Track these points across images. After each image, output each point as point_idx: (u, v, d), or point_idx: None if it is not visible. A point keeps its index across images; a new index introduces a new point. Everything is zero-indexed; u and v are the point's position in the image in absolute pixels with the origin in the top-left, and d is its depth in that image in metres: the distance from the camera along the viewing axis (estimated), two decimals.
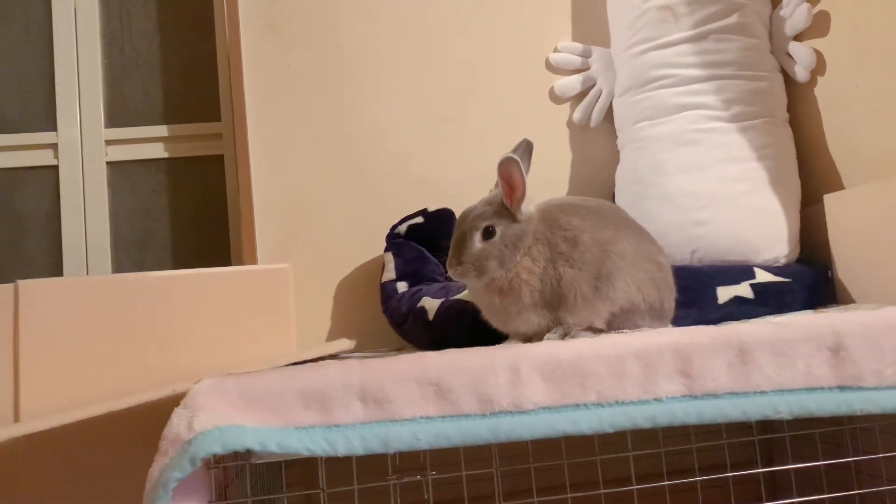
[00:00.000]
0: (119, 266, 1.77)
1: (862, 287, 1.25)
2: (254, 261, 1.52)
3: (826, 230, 1.32)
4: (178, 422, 0.74)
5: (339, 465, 0.86)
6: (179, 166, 1.83)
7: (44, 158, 1.79)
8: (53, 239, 1.76)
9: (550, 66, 1.66)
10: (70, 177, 1.78)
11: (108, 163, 1.80)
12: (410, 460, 0.85)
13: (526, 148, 1.06)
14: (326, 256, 1.54)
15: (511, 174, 0.97)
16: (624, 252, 0.99)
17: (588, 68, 1.65)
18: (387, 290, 1.41)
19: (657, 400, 0.81)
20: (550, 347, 0.83)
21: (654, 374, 0.82)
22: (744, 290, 1.25)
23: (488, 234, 1.00)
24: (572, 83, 1.64)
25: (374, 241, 1.51)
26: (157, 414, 0.89)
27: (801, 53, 1.42)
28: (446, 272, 1.43)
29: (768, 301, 1.25)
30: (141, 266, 1.78)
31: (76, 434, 1.08)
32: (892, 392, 0.83)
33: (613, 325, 0.99)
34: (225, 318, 1.26)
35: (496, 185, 1.04)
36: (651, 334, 0.87)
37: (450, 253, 1.03)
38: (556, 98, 1.66)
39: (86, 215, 1.77)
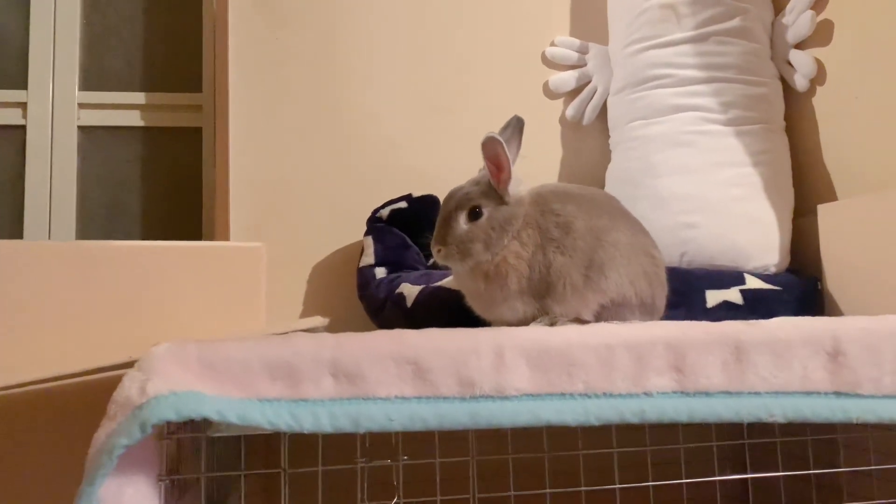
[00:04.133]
0: (84, 236, 1.69)
1: (852, 300, 1.22)
2: (227, 238, 1.46)
3: (817, 241, 1.29)
4: (129, 384, 0.67)
5: (302, 448, 0.80)
6: (155, 136, 1.75)
7: (11, 117, 1.70)
8: (15, 202, 1.68)
9: (546, 61, 1.62)
10: (38, 138, 1.69)
11: (79, 127, 1.72)
12: (381, 445, 0.79)
13: (516, 126, 1.01)
14: (303, 238, 1.49)
15: (497, 154, 0.92)
16: (618, 242, 0.94)
17: (584, 65, 1.61)
18: (364, 276, 1.36)
19: (647, 394, 0.76)
20: (537, 333, 0.79)
21: (645, 367, 0.77)
22: (733, 295, 1.22)
23: (475, 215, 0.94)
24: (567, 79, 1.61)
25: (352, 227, 1.46)
26: (112, 386, 0.83)
27: (802, 62, 1.40)
28: (428, 260, 1.40)
29: (757, 308, 1.21)
30: (107, 237, 1.70)
31: (21, 402, 1.01)
32: (891, 401, 0.80)
33: (602, 318, 0.94)
34: (192, 295, 1.21)
35: (484, 166, 0.99)
36: (643, 326, 0.83)
37: (434, 234, 0.98)
38: (550, 93, 1.62)
39: (52, 180, 1.69)
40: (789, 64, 1.43)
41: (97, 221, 1.72)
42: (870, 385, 0.80)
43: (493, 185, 0.95)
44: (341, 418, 0.70)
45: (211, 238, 1.63)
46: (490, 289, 0.93)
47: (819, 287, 1.29)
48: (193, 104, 1.76)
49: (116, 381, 0.74)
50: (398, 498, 0.77)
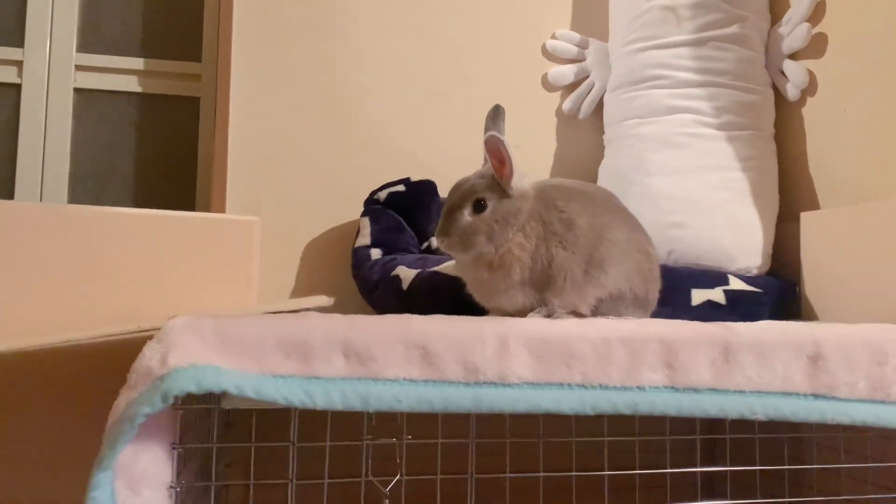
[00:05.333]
0: (75, 199, 1.68)
1: (828, 304, 1.28)
2: (222, 210, 1.46)
3: (798, 247, 1.35)
4: (150, 355, 0.69)
5: (305, 425, 0.83)
6: (152, 103, 1.74)
7: (6, 75, 1.67)
8: (7, 162, 1.66)
9: (546, 53, 1.65)
10: (33, 98, 1.67)
11: (75, 89, 1.70)
12: (385, 426, 0.82)
13: (501, 115, 1.03)
14: (297, 214, 1.49)
15: (499, 151, 0.95)
16: (617, 239, 0.98)
17: (583, 59, 1.64)
18: (359, 256, 1.37)
19: (640, 388, 0.81)
20: (540, 324, 0.82)
21: (639, 362, 0.81)
22: (717, 294, 1.27)
23: (479, 207, 0.97)
24: (565, 72, 1.63)
25: (348, 205, 1.47)
26: (114, 351, 0.85)
27: (795, 72, 1.44)
28: (421, 245, 1.43)
29: (739, 309, 1.26)
30: (98, 202, 1.69)
31: (23, 363, 1.02)
32: (863, 405, 0.85)
33: (598, 311, 0.98)
34: (184, 265, 1.21)
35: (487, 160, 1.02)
36: (639, 323, 0.87)
37: (439, 223, 1.00)
38: (548, 85, 1.64)
39: (45, 141, 1.67)
40: (782, 73, 1.47)
41: (89, 185, 1.71)
42: (845, 389, 0.85)
43: (497, 179, 0.98)
44: (352, 397, 0.73)
45: (204, 209, 1.64)
46: (493, 278, 0.96)
47: (797, 291, 1.34)
48: (192, 73, 1.75)
49: (121, 346, 0.76)
50: (400, 475, 0.80)
